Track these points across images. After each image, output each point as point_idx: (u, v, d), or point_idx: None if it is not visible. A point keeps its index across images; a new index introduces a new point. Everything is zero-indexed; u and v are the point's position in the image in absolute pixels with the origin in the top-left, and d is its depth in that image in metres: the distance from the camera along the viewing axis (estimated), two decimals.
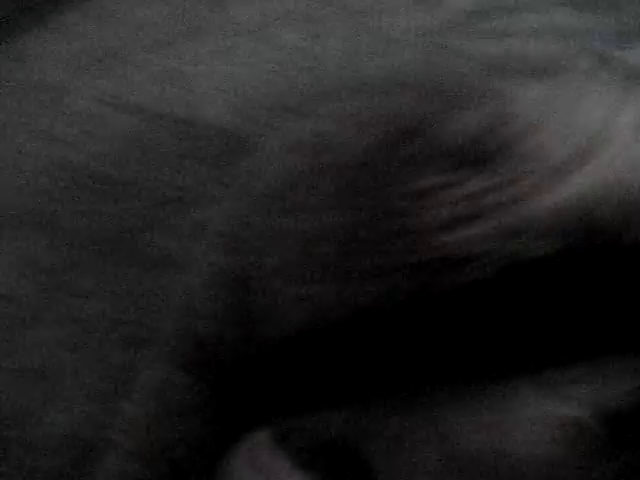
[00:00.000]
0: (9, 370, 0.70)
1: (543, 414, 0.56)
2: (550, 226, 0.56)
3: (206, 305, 0.61)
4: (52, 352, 0.71)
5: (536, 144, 0.59)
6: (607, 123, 0.59)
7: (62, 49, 1.28)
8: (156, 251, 0.84)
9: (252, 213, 0.63)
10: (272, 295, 0.60)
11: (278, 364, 0.59)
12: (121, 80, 1.22)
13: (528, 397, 0.56)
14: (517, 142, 0.58)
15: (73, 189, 0.90)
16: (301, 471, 0.57)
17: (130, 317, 0.68)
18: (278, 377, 0.60)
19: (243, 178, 0.66)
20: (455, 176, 0.57)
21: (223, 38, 1.26)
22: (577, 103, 0.62)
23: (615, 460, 0.57)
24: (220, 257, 0.63)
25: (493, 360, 0.58)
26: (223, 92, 0.69)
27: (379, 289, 0.58)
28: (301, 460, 0.58)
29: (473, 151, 0.57)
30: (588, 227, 0.56)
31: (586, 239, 0.56)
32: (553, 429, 0.55)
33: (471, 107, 0.58)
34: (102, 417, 0.65)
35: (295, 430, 0.60)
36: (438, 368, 0.60)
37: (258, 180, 0.64)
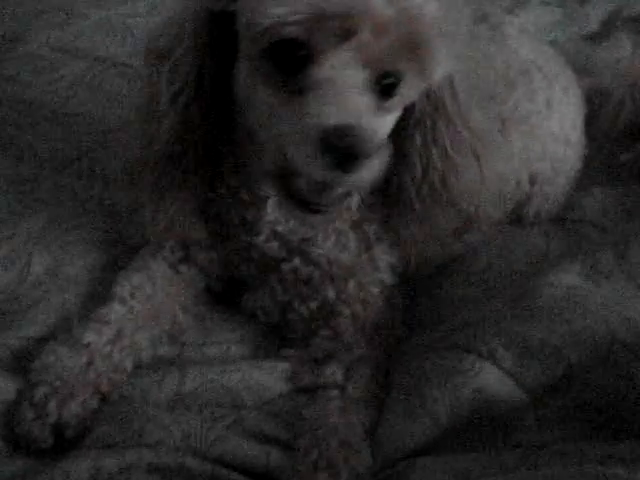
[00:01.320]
0: None
1: None
2: None
3: None
4: (23, 244, 0.89)
5: None
6: None
7: (16, 2, 1.44)
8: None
9: None
10: None
11: None
12: (68, 30, 1.40)
13: None
14: None
15: (31, 118, 1.09)
16: None
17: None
18: None
19: None
20: None
21: None
22: None
23: None
24: None
25: None
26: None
27: None
28: None
29: None
30: None
31: None
32: None
33: None
34: None
35: None
36: None
37: None
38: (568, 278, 0.86)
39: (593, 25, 1.70)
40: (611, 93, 1.27)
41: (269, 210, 0.83)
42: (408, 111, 0.77)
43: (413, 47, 0.67)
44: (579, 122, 1.14)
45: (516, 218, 1.09)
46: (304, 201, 0.71)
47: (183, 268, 0.93)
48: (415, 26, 0.66)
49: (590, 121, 1.19)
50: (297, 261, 0.87)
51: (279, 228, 0.84)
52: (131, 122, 0.83)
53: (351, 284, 0.87)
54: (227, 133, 0.79)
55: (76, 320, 0.88)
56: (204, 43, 0.73)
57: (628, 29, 1.66)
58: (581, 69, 1.29)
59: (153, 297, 0.90)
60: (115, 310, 0.87)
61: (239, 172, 0.83)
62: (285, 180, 0.71)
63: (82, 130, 1.14)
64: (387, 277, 0.90)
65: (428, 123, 0.77)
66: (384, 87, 0.69)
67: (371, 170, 0.66)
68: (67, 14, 1.45)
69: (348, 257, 0.87)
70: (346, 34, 0.65)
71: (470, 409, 0.75)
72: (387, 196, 0.84)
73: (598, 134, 1.22)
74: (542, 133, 1.06)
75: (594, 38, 1.64)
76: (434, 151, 0.78)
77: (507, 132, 1.01)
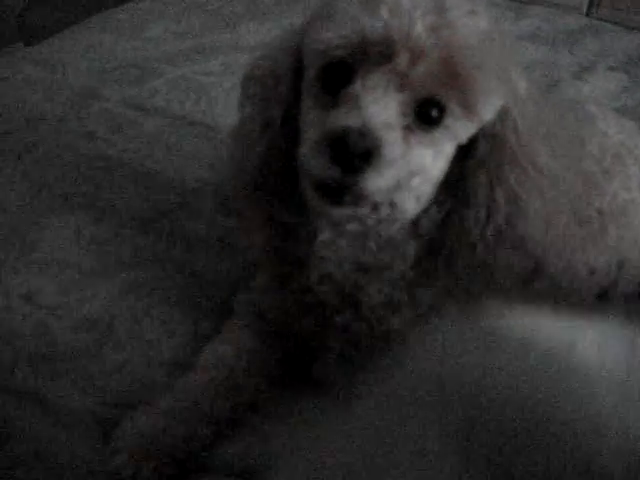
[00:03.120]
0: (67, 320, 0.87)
1: None
2: None
3: None
4: (104, 306, 0.88)
5: None
6: None
7: (90, 58, 1.46)
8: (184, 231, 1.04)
9: None
10: None
11: None
12: (144, 87, 1.42)
13: None
14: None
15: (110, 176, 1.09)
16: None
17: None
18: None
19: None
20: None
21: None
22: None
23: None
24: None
25: None
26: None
27: None
28: None
29: None
30: None
31: None
32: None
33: None
34: None
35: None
36: None
37: None
38: None
39: None
40: None
41: (320, 245, 0.82)
42: (471, 153, 0.76)
43: (452, 76, 0.69)
44: None
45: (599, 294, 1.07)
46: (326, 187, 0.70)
47: (266, 336, 0.92)
48: (454, 55, 0.68)
49: None
50: (348, 314, 0.85)
51: (331, 268, 0.82)
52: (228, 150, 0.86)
53: None
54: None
55: (158, 388, 0.87)
56: (291, 78, 0.77)
57: None
58: None
59: (236, 368, 0.88)
60: (196, 379, 0.87)
61: (295, 204, 0.82)
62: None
63: (160, 189, 1.15)
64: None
65: (492, 163, 0.76)
66: (427, 116, 0.70)
67: (383, 178, 0.67)
68: (141, 71, 1.48)
69: (400, 321, 0.84)
70: (385, 58, 0.68)
71: None
72: (445, 253, 0.81)
73: None
74: (636, 220, 1.03)
75: None
76: (499, 191, 0.76)
77: (604, 225, 0.98)
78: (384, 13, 0.70)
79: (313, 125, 0.71)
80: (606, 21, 2.85)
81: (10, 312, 0.95)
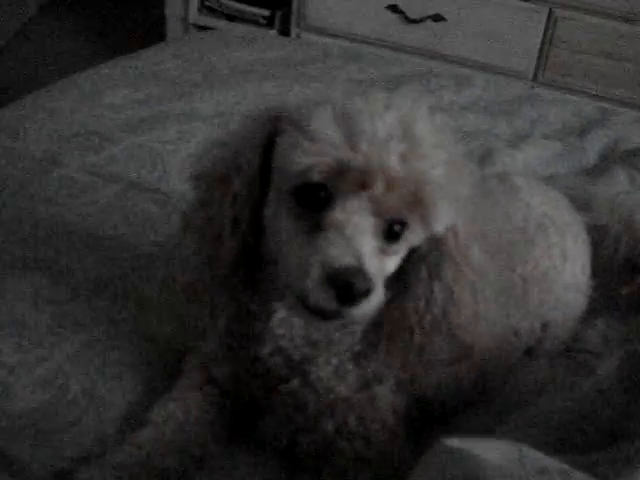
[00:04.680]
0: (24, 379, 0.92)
1: None
2: None
3: None
4: (60, 365, 0.94)
5: None
6: None
7: (51, 125, 1.54)
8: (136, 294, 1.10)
9: None
10: None
11: None
12: (102, 154, 1.50)
13: None
14: None
15: (68, 241, 1.16)
16: None
17: None
18: None
19: None
20: None
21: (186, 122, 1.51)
22: None
23: None
24: None
25: None
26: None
27: None
28: None
29: None
30: None
31: None
32: None
33: None
34: None
35: None
36: None
37: None
38: None
39: (591, 159, 1.81)
40: (609, 229, 1.36)
41: (275, 323, 0.90)
42: (414, 249, 0.85)
43: (418, 202, 0.78)
44: (587, 266, 1.23)
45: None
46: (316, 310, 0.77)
47: (214, 397, 0.98)
48: (422, 185, 0.77)
49: (594, 256, 1.28)
50: (296, 382, 0.92)
51: (283, 343, 0.90)
52: (186, 243, 0.90)
53: (351, 419, 0.91)
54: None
55: (111, 442, 0.93)
56: (257, 170, 0.84)
57: (624, 163, 1.77)
58: (580, 205, 1.38)
59: (184, 425, 0.94)
60: (147, 435, 0.92)
61: (252, 286, 0.89)
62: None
63: (115, 253, 1.21)
64: (389, 418, 0.93)
65: (432, 260, 0.86)
66: (391, 232, 0.79)
67: (369, 305, 0.76)
68: (100, 138, 1.55)
69: (346, 390, 0.92)
70: (362, 185, 0.76)
71: None
72: (388, 330, 0.89)
73: (599, 269, 1.29)
74: (557, 285, 1.15)
75: (592, 171, 1.74)
76: (437, 285, 0.86)
77: (527, 291, 1.10)
78: (363, 143, 0.77)
79: (300, 248, 0.78)
80: (551, 85, 3.00)
81: None
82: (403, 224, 0.80)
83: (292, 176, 0.78)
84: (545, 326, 1.15)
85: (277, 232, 0.82)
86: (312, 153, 0.76)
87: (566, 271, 1.16)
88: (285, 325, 0.90)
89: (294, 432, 0.94)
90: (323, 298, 0.74)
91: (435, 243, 0.86)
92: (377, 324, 0.89)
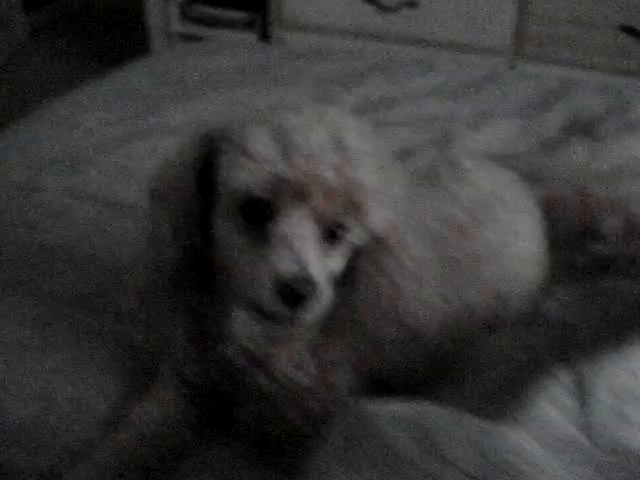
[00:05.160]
0: (15, 393, 1.00)
1: None
2: None
3: None
4: (47, 379, 1.02)
5: None
6: None
7: (29, 152, 1.62)
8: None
9: None
10: None
11: None
12: (77, 176, 1.58)
13: None
14: None
15: (49, 262, 1.25)
16: None
17: None
18: None
19: None
20: None
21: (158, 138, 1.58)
22: None
23: None
24: None
25: None
26: None
27: None
28: None
29: None
30: None
31: None
32: None
33: None
34: None
35: None
36: None
37: None
38: None
39: (552, 132, 1.87)
40: (565, 201, 1.42)
41: (235, 325, 0.98)
42: (359, 248, 0.94)
43: (355, 207, 0.86)
44: (541, 239, 1.30)
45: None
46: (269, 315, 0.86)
47: (188, 394, 1.06)
48: (356, 191, 0.85)
49: (550, 228, 1.35)
50: (261, 378, 1.00)
51: (245, 343, 0.98)
52: (145, 252, 0.99)
53: (315, 405, 0.99)
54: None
55: (96, 444, 1.01)
56: (193, 189, 0.91)
57: (584, 133, 1.83)
58: (537, 180, 1.44)
59: (163, 422, 1.03)
60: (128, 435, 1.01)
61: (205, 290, 0.98)
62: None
63: (94, 271, 1.29)
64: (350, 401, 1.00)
65: (376, 256, 0.94)
66: (332, 236, 0.87)
67: (318, 307, 0.84)
68: (75, 161, 1.63)
69: (307, 379, 1.00)
70: (301, 197, 0.84)
71: None
72: (341, 320, 0.98)
73: (558, 240, 1.35)
74: (510, 259, 1.22)
75: (553, 146, 1.80)
76: (382, 279, 0.94)
77: (479, 267, 1.17)
78: (298, 158, 0.84)
79: (250, 260, 0.85)
80: (532, 59, 3.05)
81: None
82: (343, 227, 0.88)
83: (236, 193, 0.85)
84: (502, 299, 1.22)
85: (227, 245, 0.89)
86: (252, 171, 0.84)
87: (518, 246, 1.23)
88: (245, 326, 0.98)
89: (264, 423, 1.02)
90: (275, 305, 0.82)
91: (377, 240, 0.94)
92: (331, 317, 0.96)
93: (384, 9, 3.17)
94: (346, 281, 0.94)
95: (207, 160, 0.91)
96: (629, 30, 2.89)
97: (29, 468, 0.98)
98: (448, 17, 3.11)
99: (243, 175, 0.84)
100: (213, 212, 0.90)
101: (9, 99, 3.70)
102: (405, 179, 0.95)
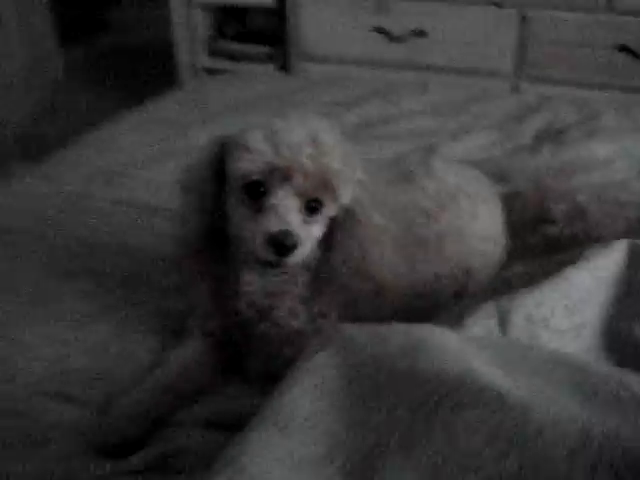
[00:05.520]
0: (76, 346, 1.27)
1: None
2: None
3: None
4: (103, 337, 1.29)
5: None
6: None
7: (79, 168, 1.96)
8: None
9: None
10: None
11: None
12: (121, 187, 1.92)
13: None
14: None
15: (102, 252, 1.54)
16: None
17: None
18: None
19: None
20: None
21: None
22: None
23: None
24: None
25: None
26: None
27: None
28: None
29: None
30: None
31: None
32: None
33: None
34: None
35: None
36: None
37: None
38: None
39: (527, 140, 2.16)
40: (523, 192, 1.70)
41: (244, 283, 1.29)
42: (334, 220, 1.24)
43: (326, 185, 1.17)
44: (500, 223, 1.60)
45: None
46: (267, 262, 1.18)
47: (210, 344, 1.36)
48: (327, 174, 1.16)
49: (509, 215, 1.63)
50: (265, 324, 1.31)
51: (252, 297, 1.30)
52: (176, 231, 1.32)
53: (304, 346, 1.20)
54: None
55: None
56: (214, 180, 1.24)
57: (551, 139, 2.10)
58: (504, 177, 1.73)
59: (189, 364, 1.32)
60: (160, 373, 1.30)
61: (224, 258, 1.29)
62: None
63: (140, 258, 1.62)
64: None
65: (347, 225, 1.24)
66: (312, 209, 1.18)
67: (299, 254, 1.15)
68: (115, 174, 2.00)
69: (299, 324, 1.30)
70: (286, 179, 1.15)
71: None
72: (324, 278, 1.28)
73: (516, 224, 1.63)
74: (471, 239, 1.51)
75: (526, 150, 2.08)
76: (352, 242, 1.25)
77: (442, 244, 1.47)
78: (283, 149, 1.16)
79: (250, 225, 1.17)
80: (534, 80, 3.29)
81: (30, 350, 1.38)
82: (319, 202, 1.19)
83: (239, 178, 1.18)
84: (467, 272, 1.50)
85: (234, 216, 1.21)
86: (251, 161, 1.16)
87: (478, 227, 1.52)
88: (251, 285, 1.29)
89: (267, 361, 1.31)
90: (268, 254, 1.14)
91: (347, 213, 1.24)
92: (316, 276, 1.29)
93: (394, 39, 3.47)
94: (327, 247, 1.25)
95: (220, 157, 1.22)
96: (625, 49, 3.15)
97: (88, 399, 1.26)
98: (453, 44, 3.40)
99: (245, 165, 1.16)
100: (225, 194, 1.22)
101: (52, 127, 4.10)
102: (365, 168, 1.25)
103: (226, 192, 1.22)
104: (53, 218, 1.79)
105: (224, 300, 1.33)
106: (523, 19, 3.25)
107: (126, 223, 1.76)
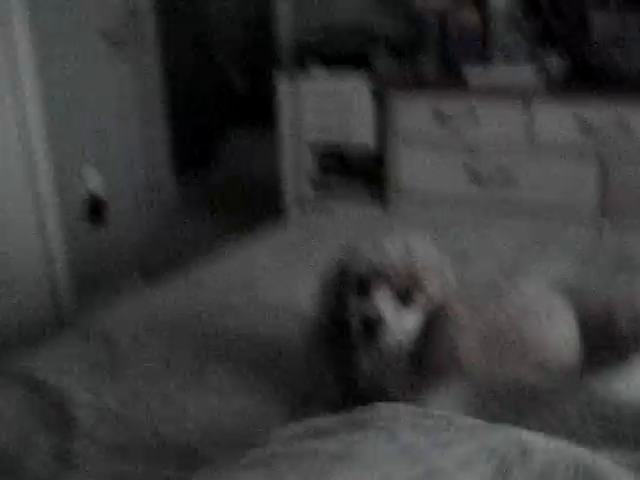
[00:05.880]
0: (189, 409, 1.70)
1: None
2: None
3: None
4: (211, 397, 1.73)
5: None
6: None
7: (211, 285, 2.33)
8: None
9: None
10: None
11: None
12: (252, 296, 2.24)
13: None
14: None
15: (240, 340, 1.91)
16: None
17: None
18: None
19: None
20: None
21: None
22: None
23: None
24: None
25: None
26: None
27: None
28: None
29: None
30: None
31: None
32: None
33: None
34: None
35: None
36: None
37: None
38: None
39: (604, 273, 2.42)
40: (593, 307, 1.97)
41: (364, 367, 1.66)
42: (429, 315, 1.61)
43: (416, 282, 1.57)
44: (574, 329, 1.82)
45: None
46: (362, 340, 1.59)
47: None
48: (417, 274, 1.56)
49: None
50: (379, 396, 1.56)
51: (370, 370, 1.65)
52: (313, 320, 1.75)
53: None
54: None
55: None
56: (337, 282, 1.67)
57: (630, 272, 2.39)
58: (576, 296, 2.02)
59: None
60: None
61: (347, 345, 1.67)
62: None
63: (271, 340, 1.99)
64: None
65: (439, 320, 1.60)
66: (404, 300, 1.57)
67: (391, 336, 1.56)
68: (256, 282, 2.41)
69: (401, 387, 1.62)
70: (384, 278, 1.56)
71: None
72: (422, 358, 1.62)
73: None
74: (549, 343, 1.77)
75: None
76: (442, 332, 1.60)
77: (524, 345, 1.74)
78: (384, 258, 1.58)
79: (356, 311, 1.58)
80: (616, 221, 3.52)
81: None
82: (409, 294, 1.57)
83: (355, 278, 1.60)
84: (543, 368, 1.76)
85: (351, 307, 1.61)
86: (363, 267, 1.59)
87: (554, 332, 1.78)
88: (368, 362, 1.65)
89: None
90: (361, 333, 1.56)
91: (438, 309, 1.60)
92: (414, 357, 1.62)
93: (481, 182, 3.92)
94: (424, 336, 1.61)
95: (344, 267, 1.66)
96: None
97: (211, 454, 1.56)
98: (540, 189, 3.82)
99: (356, 268, 1.60)
100: (345, 292, 1.63)
101: (166, 255, 4.55)
102: (451, 273, 1.64)
103: (347, 291, 1.63)
104: (201, 315, 2.19)
105: (347, 376, 1.69)
106: (602, 167, 3.61)
107: (258, 319, 2.14)
